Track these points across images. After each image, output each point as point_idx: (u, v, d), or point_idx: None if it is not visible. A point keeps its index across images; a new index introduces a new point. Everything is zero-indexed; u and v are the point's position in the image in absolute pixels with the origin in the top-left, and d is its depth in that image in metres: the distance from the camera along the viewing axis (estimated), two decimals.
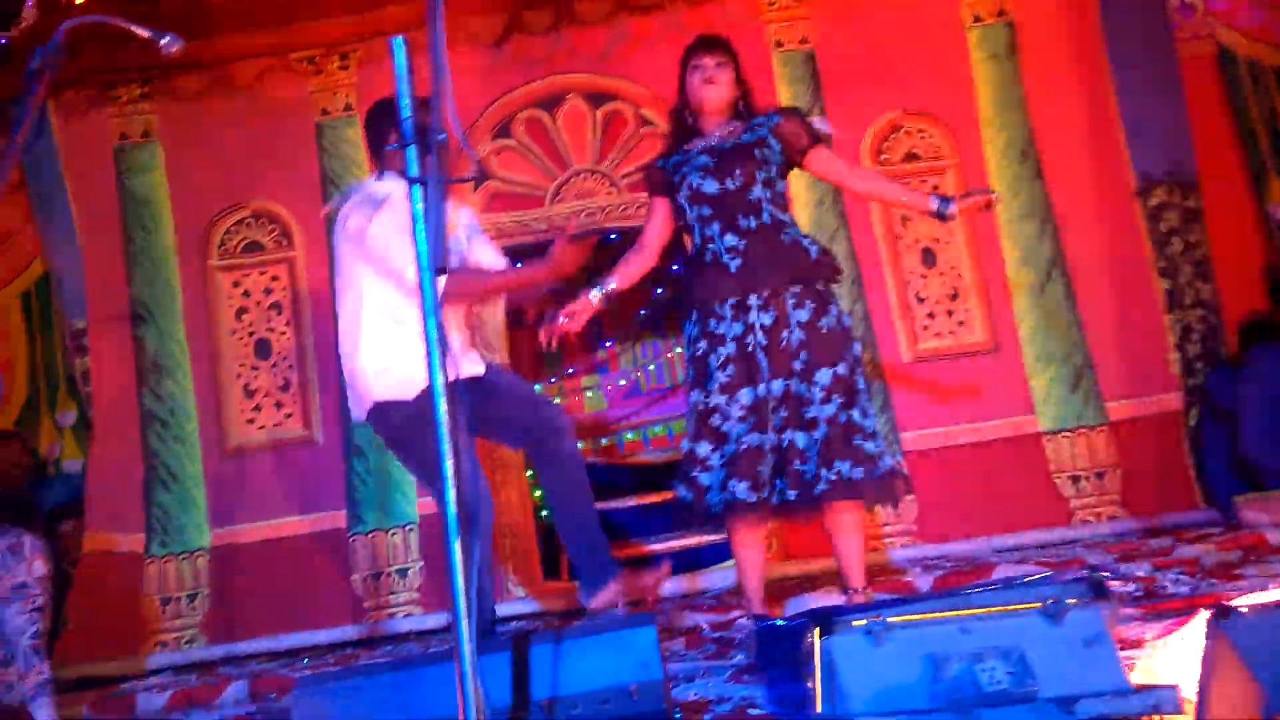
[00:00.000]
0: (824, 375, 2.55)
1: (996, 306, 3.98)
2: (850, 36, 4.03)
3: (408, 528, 3.94)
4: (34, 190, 4.11)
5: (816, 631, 1.21)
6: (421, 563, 3.91)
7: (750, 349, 2.57)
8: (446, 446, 1.32)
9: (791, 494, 2.54)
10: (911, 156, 4.08)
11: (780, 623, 1.80)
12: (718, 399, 2.57)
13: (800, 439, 2.55)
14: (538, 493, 4.31)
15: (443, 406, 1.24)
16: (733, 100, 2.70)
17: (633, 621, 1.58)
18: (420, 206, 1.25)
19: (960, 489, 3.79)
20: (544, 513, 4.25)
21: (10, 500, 3.63)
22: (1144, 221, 3.94)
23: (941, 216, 2.60)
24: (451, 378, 2.55)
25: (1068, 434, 3.86)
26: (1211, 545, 3.16)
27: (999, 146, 4.02)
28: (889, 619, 1.22)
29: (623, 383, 5.32)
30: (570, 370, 5.36)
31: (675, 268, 5.06)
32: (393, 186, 2.60)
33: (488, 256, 2.81)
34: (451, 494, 1.30)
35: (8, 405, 4.33)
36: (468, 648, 1.26)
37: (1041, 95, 3.99)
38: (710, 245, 2.62)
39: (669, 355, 5.26)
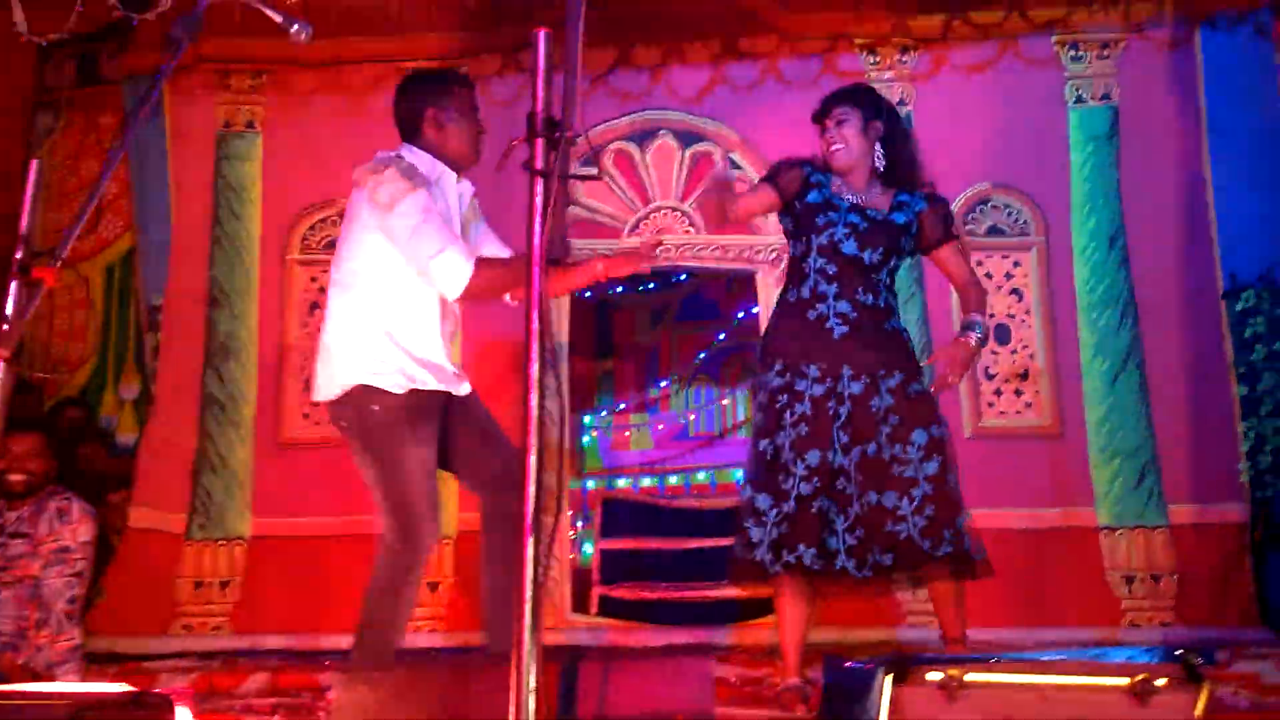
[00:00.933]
0: (919, 435, 2.51)
1: (1067, 391, 3.89)
2: (948, 102, 4.03)
3: (444, 541, 3.91)
4: (136, 165, 4.24)
5: (889, 678, 1.16)
6: (453, 579, 3.88)
7: (830, 413, 2.53)
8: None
9: (886, 558, 2.47)
10: (995, 231, 4.04)
11: (851, 664, 1.74)
12: (786, 455, 2.53)
13: (890, 498, 2.49)
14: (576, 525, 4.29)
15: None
16: (864, 158, 2.66)
17: (688, 651, 1.53)
18: (539, 199, 1.26)
19: (1006, 574, 3.66)
20: (585, 553, 4.22)
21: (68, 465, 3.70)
22: (1228, 323, 3.85)
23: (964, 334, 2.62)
24: (445, 388, 2.55)
25: (1126, 532, 3.75)
26: (1271, 662, 3.04)
27: (1088, 229, 3.96)
28: (967, 676, 1.17)
29: (670, 425, 5.29)
30: (621, 405, 5.35)
31: (741, 315, 5.09)
32: (429, 166, 2.52)
33: (492, 247, 2.65)
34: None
35: (76, 371, 4.43)
36: (527, 652, 1.23)
37: (1137, 183, 3.94)
38: (821, 304, 2.60)
39: (722, 403, 5.23)
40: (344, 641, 3.65)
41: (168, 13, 3.61)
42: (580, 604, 3.93)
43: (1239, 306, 3.85)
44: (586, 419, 5.17)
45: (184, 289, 4.15)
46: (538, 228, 1.23)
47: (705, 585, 3.94)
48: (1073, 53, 4.05)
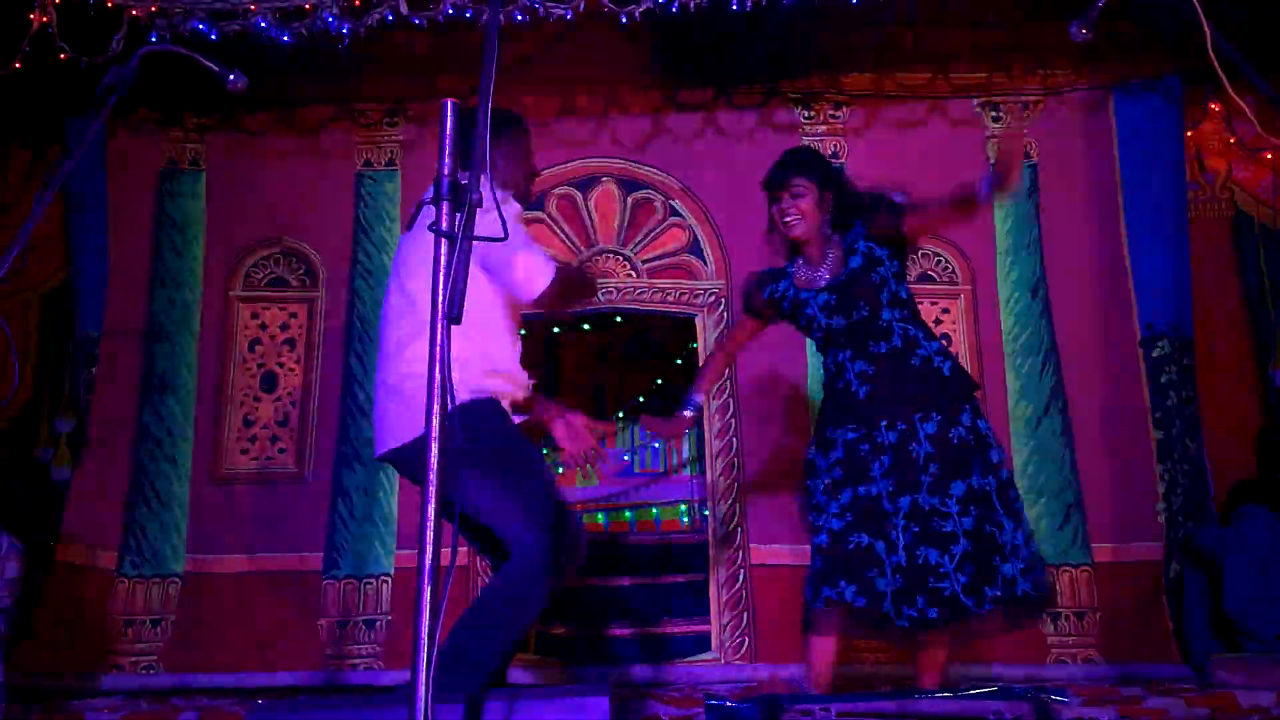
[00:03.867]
0: (957, 487, 2.52)
1: (994, 433, 4.00)
2: (879, 156, 4.17)
3: (382, 579, 3.92)
4: (74, 199, 4.23)
5: (764, 716, 1.22)
6: (389, 617, 3.88)
7: (865, 458, 2.58)
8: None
9: (932, 612, 2.48)
10: (926, 278, 4.18)
11: (730, 703, 1.79)
12: (819, 497, 2.62)
13: (933, 555, 2.50)
14: None
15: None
16: (820, 224, 2.73)
17: (588, 690, 1.58)
18: (443, 259, 1.32)
19: None
20: None
21: None
22: (1145, 371, 4.00)
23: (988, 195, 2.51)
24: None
25: (1051, 570, 3.85)
26: (1182, 699, 3.13)
27: (1011, 279, 4.12)
28: (837, 712, 1.24)
29: (616, 462, 5.34)
30: None
31: (678, 361, 5.18)
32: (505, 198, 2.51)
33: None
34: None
35: (9, 404, 4.37)
36: (421, 693, 1.28)
37: (1056, 236, 4.11)
38: (843, 371, 2.67)
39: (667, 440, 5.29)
40: (278, 679, 3.68)
41: (119, 55, 3.64)
42: (544, 644, 3.94)
43: (1154, 354, 4.00)
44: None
45: (121, 324, 4.14)
46: (441, 286, 1.30)
47: (646, 623, 3.98)
48: (994, 113, 4.24)
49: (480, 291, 2.44)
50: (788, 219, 2.72)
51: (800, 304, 2.74)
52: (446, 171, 1.33)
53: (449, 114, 1.33)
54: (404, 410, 2.38)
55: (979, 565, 2.48)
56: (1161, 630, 3.73)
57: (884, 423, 2.59)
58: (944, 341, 2.88)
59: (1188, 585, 3.75)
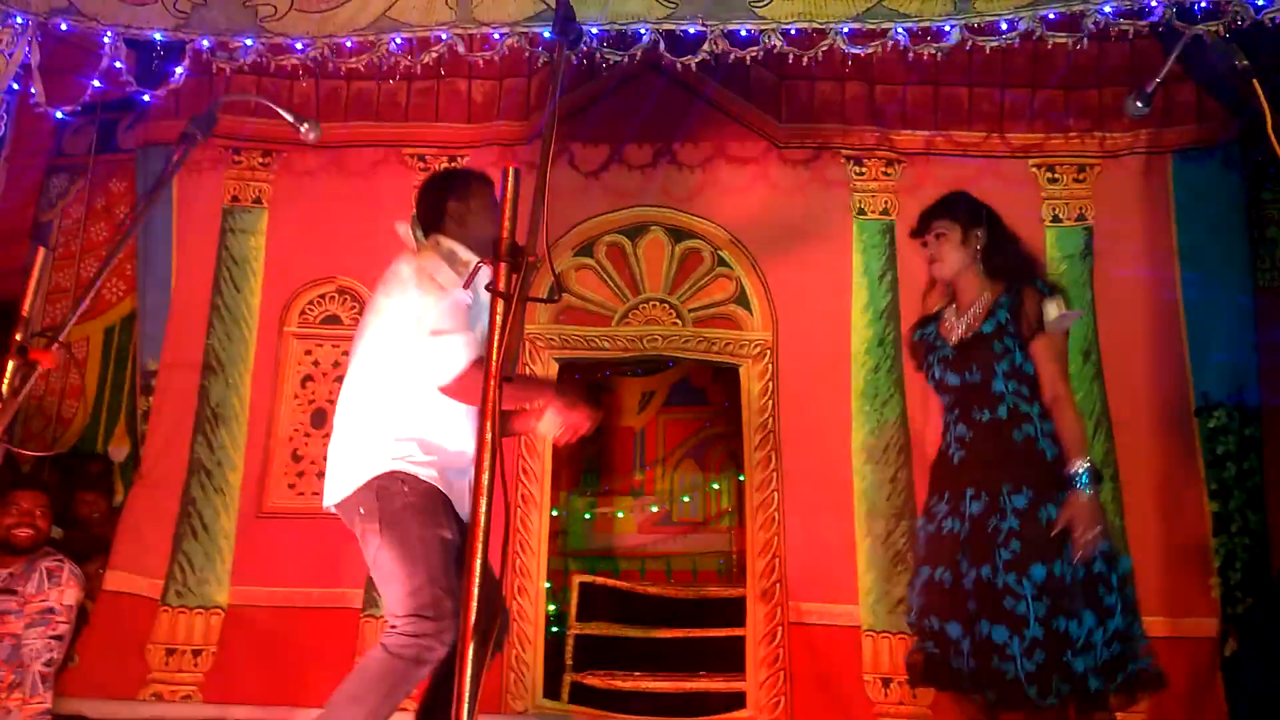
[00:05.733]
0: (1038, 571, 2.41)
1: None
2: None
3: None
4: (141, 232, 4.37)
5: None
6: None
7: (948, 533, 2.56)
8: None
9: (991, 694, 2.44)
10: None
11: None
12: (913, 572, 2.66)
13: (1000, 633, 2.41)
14: (551, 607, 4.29)
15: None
16: (969, 266, 2.68)
17: None
18: (500, 319, 1.35)
19: None
20: (553, 629, 4.22)
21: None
22: (1200, 441, 3.90)
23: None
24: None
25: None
26: None
27: None
28: None
29: (654, 509, 5.32)
30: (606, 489, 5.38)
31: (727, 404, 5.16)
32: (465, 251, 2.58)
33: None
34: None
35: (68, 430, 4.49)
36: None
37: (1109, 301, 4.04)
38: (947, 433, 2.67)
39: (707, 490, 5.27)
40: (314, 714, 3.69)
41: (180, 89, 3.77)
42: (552, 690, 3.91)
43: (1210, 424, 3.90)
44: (571, 500, 5.21)
45: (180, 356, 4.24)
46: (496, 344, 1.32)
47: (680, 676, 3.95)
48: (1049, 174, 4.19)
49: (393, 365, 2.50)
50: (933, 262, 2.73)
51: (933, 347, 2.73)
52: (505, 234, 1.35)
53: (510, 180, 1.36)
54: (331, 475, 2.54)
55: (1049, 656, 2.38)
56: (1215, 709, 3.61)
57: (970, 492, 2.54)
58: None
59: (1245, 665, 3.62)
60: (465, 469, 2.49)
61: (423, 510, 2.42)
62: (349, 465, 2.50)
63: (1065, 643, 2.39)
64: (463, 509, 2.51)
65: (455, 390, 2.45)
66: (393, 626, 2.37)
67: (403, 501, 2.41)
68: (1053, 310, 2.58)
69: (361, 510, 2.45)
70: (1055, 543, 2.44)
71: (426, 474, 2.46)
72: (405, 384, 2.49)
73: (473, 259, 2.57)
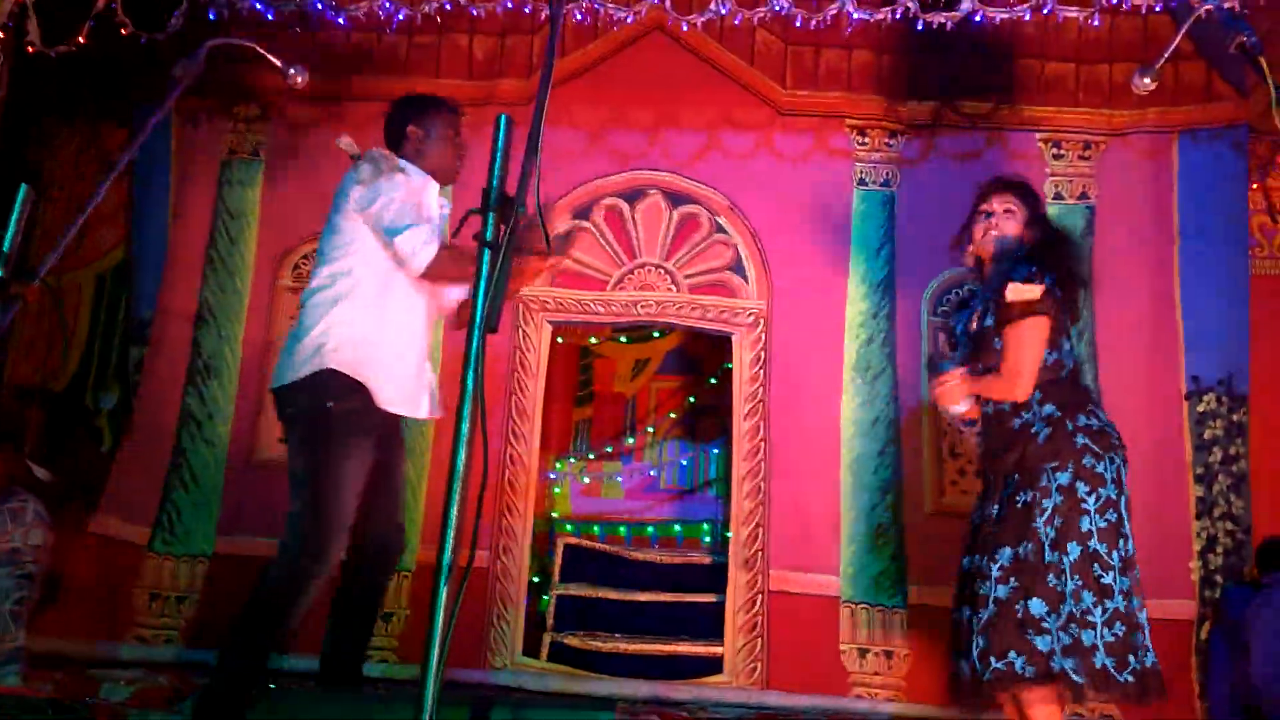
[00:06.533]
0: (1004, 554, 2.45)
1: None
2: (932, 187, 4.12)
3: (403, 575, 3.94)
4: (138, 183, 4.33)
5: None
6: (409, 612, 3.90)
7: (973, 521, 2.63)
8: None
9: (965, 670, 2.48)
10: None
11: None
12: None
13: (965, 613, 2.52)
14: (535, 568, 4.31)
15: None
16: (1010, 252, 2.63)
17: (594, 705, 1.58)
18: (486, 268, 1.33)
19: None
20: (543, 599, 4.24)
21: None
22: (1188, 425, 3.90)
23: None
24: (420, 411, 2.64)
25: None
26: None
27: None
28: None
29: (643, 476, 5.33)
30: (593, 454, 5.39)
31: (712, 381, 5.16)
32: (414, 169, 2.67)
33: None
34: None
35: (60, 375, 4.48)
36: (431, 690, 1.28)
37: (1108, 280, 4.00)
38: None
39: (696, 458, 5.28)
40: (296, 664, 3.71)
41: (181, 33, 3.72)
42: (531, 648, 3.94)
43: (1199, 408, 3.91)
44: (559, 464, 5.22)
45: (174, 307, 4.23)
46: (481, 296, 1.30)
47: (658, 640, 3.97)
48: (1055, 150, 4.16)
49: (371, 260, 2.56)
50: (992, 233, 2.64)
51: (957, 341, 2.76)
52: (494, 184, 1.33)
53: (502, 128, 1.34)
54: (279, 360, 2.61)
55: (995, 635, 2.40)
56: (1187, 691, 3.64)
57: (990, 480, 2.61)
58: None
59: (1214, 648, 3.65)
60: (410, 386, 2.60)
61: (343, 429, 2.48)
62: (295, 355, 2.56)
63: (1029, 623, 2.39)
64: (396, 410, 2.61)
65: (433, 275, 2.54)
66: (280, 542, 2.49)
67: (325, 418, 2.47)
68: (1015, 292, 2.52)
69: (289, 409, 2.54)
70: (1025, 525, 2.45)
71: (360, 374, 2.51)
72: (357, 290, 2.56)
73: (424, 179, 2.66)
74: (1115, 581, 2.42)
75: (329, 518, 2.42)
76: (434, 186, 2.74)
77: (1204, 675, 3.65)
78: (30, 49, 3.48)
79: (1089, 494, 2.44)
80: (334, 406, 2.47)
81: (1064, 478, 2.44)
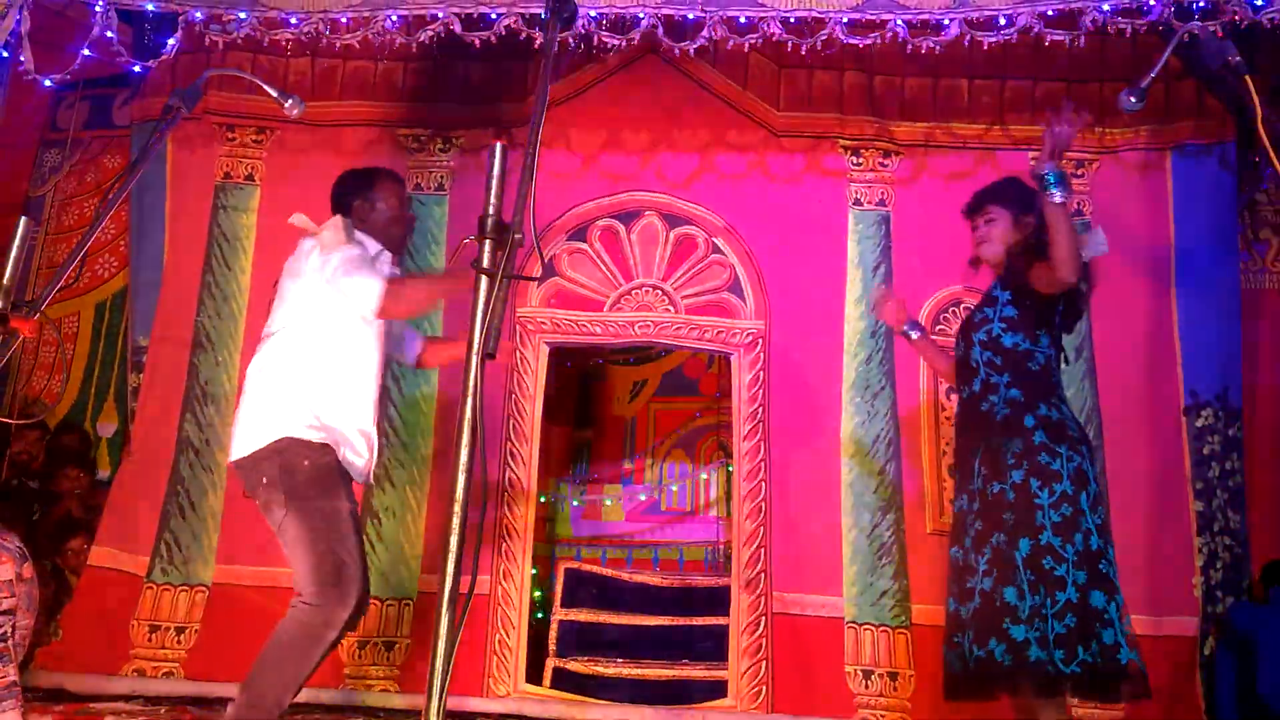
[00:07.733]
0: (987, 547, 2.52)
1: None
2: (926, 207, 4.14)
3: (404, 602, 3.93)
4: (135, 209, 4.34)
5: None
6: (409, 641, 3.88)
7: (957, 512, 2.71)
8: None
9: (956, 666, 2.53)
10: None
11: None
12: None
13: (952, 605, 2.59)
14: (536, 593, 4.29)
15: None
16: (1014, 251, 2.76)
17: None
18: (483, 296, 1.33)
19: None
20: (538, 615, 4.22)
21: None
22: (1188, 440, 3.90)
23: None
24: (364, 475, 2.66)
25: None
26: None
27: None
28: None
29: (643, 498, 5.32)
30: (595, 477, 5.38)
31: (718, 394, 5.16)
32: (365, 238, 2.72)
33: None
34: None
35: (56, 405, 4.47)
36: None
37: (1104, 296, 3.99)
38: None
39: (696, 479, 5.27)
40: (303, 694, 3.68)
41: (173, 62, 3.73)
42: (534, 675, 3.91)
43: (1198, 424, 3.91)
44: (560, 487, 5.21)
45: (170, 333, 4.22)
46: (479, 322, 1.31)
47: (662, 664, 3.96)
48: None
49: (326, 322, 2.60)
50: (980, 244, 2.83)
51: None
52: (491, 210, 1.34)
53: (497, 155, 1.35)
54: (237, 433, 2.61)
55: (987, 627, 2.46)
56: (1193, 707, 3.63)
57: (963, 465, 2.69)
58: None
59: (1220, 663, 3.63)
60: (361, 445, 2.65)
61: (322, 481, 2.52)
62: (253, 425, 2.58)
63: (1006, 613, 2.45)
64: (358, 477, 2.68)
65: (388, 309, 2.56)
66: (299, 595, 2.48)
67: (304, 476, 2.51)
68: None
69: (265, 479, 2.54)
70: (1001, 515, 2.52)
71: (324, 440, 2.56)
72: (312, 355, 2.60)
73: (377, 248, 2.71)
74: (1069, 574, 2.46)
75: (342, 561, 2.45)
76: (387, 256, 2.78)
77: (1209, 690, 3.63)
78: (25, 76, 3.48)
79: (1040, 489, 2.51)
80: (309, 464, 2.51)
81: (1018, 475, 2.53)
